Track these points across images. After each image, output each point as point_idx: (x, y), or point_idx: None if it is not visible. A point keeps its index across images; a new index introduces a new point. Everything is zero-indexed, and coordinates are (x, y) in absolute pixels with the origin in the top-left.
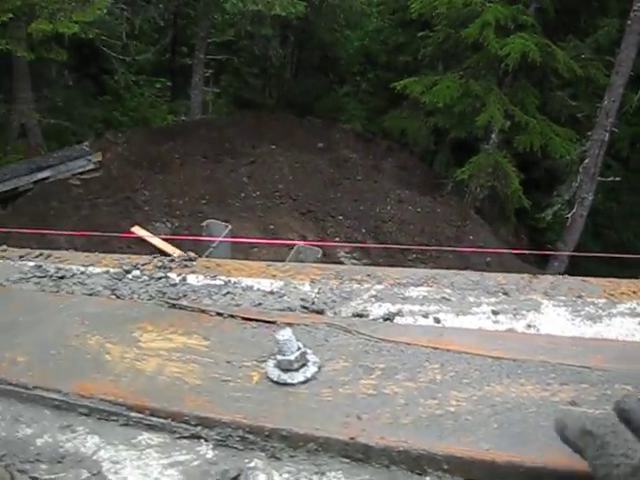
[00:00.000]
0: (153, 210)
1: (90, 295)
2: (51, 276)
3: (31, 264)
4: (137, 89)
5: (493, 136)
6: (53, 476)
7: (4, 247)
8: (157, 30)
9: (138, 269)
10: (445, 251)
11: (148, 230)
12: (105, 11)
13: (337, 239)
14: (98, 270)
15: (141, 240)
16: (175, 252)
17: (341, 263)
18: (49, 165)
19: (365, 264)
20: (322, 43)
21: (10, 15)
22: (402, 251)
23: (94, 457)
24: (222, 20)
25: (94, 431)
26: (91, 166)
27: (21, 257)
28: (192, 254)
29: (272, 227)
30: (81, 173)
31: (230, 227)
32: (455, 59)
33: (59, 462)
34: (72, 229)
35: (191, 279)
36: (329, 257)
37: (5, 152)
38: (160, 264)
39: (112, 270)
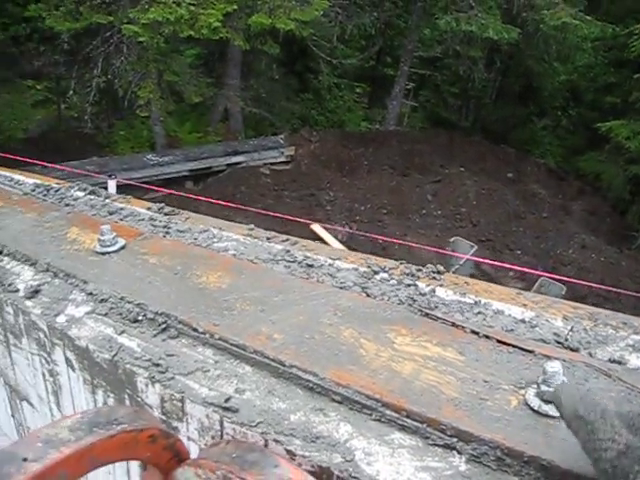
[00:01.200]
0: (334, 211)
1: (340, 288)
2: (299, 262)
3: (279, 247)
4: (337, 91)
5: None
6: (307, 453)
7: (252, 226)
8: (365, 37)
9: (386, 272)
10: (625, 305)
11: (327, 230)
12: (321, 13)
13: (511, 273)
14: (346, 265)
15: (318, 238)
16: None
17: None
18: (244, 151)
19: None
20: (528, 72)
21: (235, 7)
22: (577, 299)
23: (347, 444)
24: (431, 36)
25: (347, 419)
26: (283, 158)
27: (268, 239)
28: (440, 267)
29: (447, 249)
30: (272, 164)
31: (476, 247)
32: None
33: (313, 441)
34: (255, 215)
35: (440, 292)
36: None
37: (206, 132)
38: (407, 271)
39: (361, 268)
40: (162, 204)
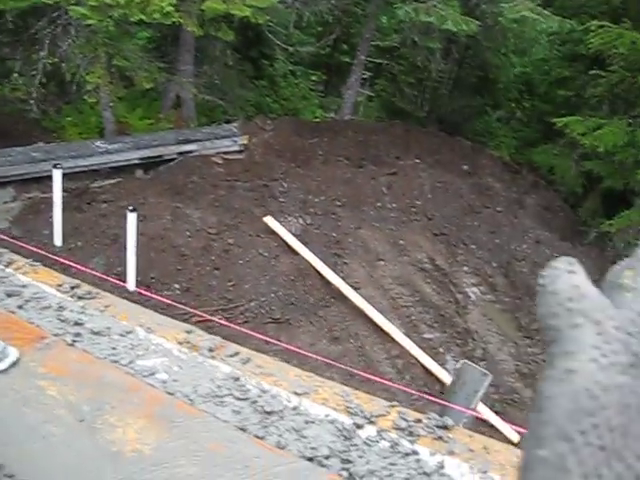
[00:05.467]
0: (287, 203)
1: (309, 460)
2: (253, 402)
3: (226, 370)
4: (293, 79)
5: None
6: None
7: (190, 328)
8: (322, 24)
9: (373, 423)
10: None
11: (280, 222)
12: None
13: (465, 268)
14: (317, 410)
15: (272, 232)
16: (301, 250)
17: (465, 293)
18: (196, 139)
19: (490, 301)
20: (485, 64)
21: None
22: (530, 295)
23: None
24: (388, 25)
25: None
26: (236, 148)
27: (211, 350)
28: (448, 420)
29: (402, 243)
30: (225, 153)
31: (491, 377)
32: (626, 104)
33: None
34: (207, 206)
35: (451, 467)
36: (455, 286)
37: (157, 119)
38: (403, 424)
39: (338, 417)
40: (77, 282)
